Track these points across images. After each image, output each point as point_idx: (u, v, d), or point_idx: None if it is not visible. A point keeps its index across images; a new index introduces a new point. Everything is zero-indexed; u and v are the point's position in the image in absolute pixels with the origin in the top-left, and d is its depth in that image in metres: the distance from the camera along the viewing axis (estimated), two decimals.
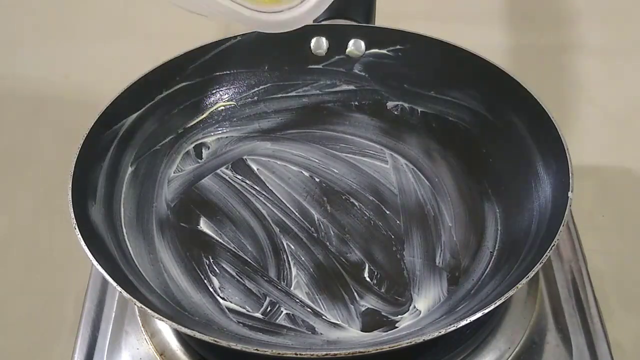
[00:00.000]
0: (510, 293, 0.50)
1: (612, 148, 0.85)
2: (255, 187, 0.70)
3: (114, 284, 0.51)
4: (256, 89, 0.78)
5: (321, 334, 0.58)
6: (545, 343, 0.59)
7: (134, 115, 0.69)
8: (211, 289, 0.61)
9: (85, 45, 0.99)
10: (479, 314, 0.49)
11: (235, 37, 0.74)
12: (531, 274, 0.51)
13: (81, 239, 0.54)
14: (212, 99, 0.76)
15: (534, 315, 0.60)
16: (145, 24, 1.01)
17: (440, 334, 0.49)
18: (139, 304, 0.50)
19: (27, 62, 0.98)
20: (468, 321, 0.49)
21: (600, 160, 0.83)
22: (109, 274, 0.52)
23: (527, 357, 0.58)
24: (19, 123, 0.90)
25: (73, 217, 0.56)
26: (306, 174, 0.72)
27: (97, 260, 0.53)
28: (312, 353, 0.48)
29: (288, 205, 0.69)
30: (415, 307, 0.59)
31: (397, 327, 0.58)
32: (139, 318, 0.61)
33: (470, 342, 0.58)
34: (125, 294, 0.51)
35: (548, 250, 0.52)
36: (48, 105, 0.92)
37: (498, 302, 0.50)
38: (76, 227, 0.55)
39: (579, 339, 0.59)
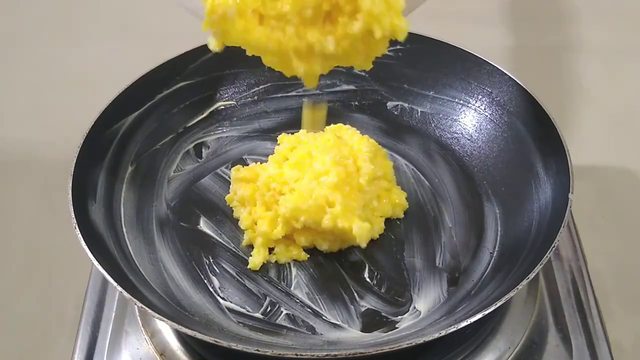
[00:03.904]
0: (511, 294, 0.50)
1: (612, 148, 0.85)
2: None
3: (114, 283, 0.51)
4: (256, 89, 0.78)
5: (321, 334, 0.57)
6: (545, 343, 0.59)
7: (134, 115, 0.69)
8: (211, 289, 0.61)
9: (85, 45, 0.99)
10: (479, 315, 0.49)
11: None
12: (531, 275, 0.51)
13: (81, 239, 0.54)
14: (212, 98, 0.76)
15: (534, 315, 0.60)
16: (145, 24, 1.01)
17: (440, 335, 0.49)
18: (139, 304, 0.51)
19: (27, 62, 0.98)
20: (468, 322, 0.49)
21: (600, 160, 0.83)
22: (109, 274, 0.52)
23: (527, 357, 0.58)
24: (19, 123, 0.90)
25: (73, 217, 0.56)
26: None
27: (97, 260, 0.53)
28: (312, 353, 0.48)
29: None
30: (415, 307, 0.59)
31: (397, 328, 0.58)
32: (139, 318, 0.61)
33: (470, 342, 0.58)
34: (125, 294, 0.51)
35: (548, 251, 0.52)
36: (48, 104, 0.92)
37: (498, 304, 0.50)
38: (76, 227, 0.55)
39: (579, 339, 0.59)
